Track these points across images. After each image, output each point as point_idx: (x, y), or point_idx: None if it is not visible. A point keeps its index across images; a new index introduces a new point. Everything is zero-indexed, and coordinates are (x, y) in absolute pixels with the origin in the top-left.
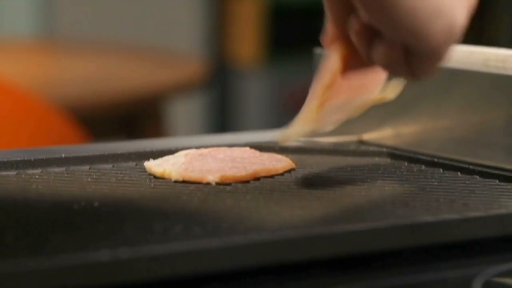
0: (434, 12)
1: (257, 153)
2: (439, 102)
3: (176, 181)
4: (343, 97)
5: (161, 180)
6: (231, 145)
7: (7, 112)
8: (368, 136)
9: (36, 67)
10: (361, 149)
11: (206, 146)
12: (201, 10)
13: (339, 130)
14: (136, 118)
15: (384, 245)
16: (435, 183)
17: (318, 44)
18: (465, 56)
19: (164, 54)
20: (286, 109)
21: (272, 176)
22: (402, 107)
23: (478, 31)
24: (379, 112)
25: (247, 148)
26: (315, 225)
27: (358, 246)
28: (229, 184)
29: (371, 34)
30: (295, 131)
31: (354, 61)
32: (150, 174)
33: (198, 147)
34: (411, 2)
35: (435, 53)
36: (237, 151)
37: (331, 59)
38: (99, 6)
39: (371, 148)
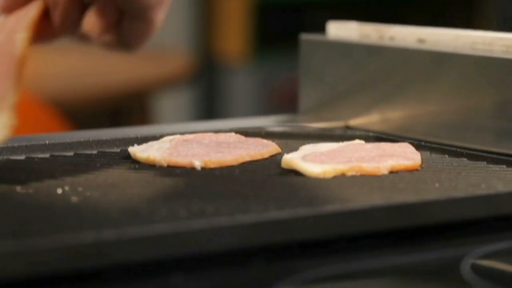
0: None
1: (243, 138)
2: (426, 87)
3: (161, 166)
4: None
5: (145, 165)
6: (216, 131)
7: None
8: (355, 122)
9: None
10: (348, 133)
11: (191, 133)
12: (188, 5)
13: (325, 116)
14: (122, 112)
15: (371, 227)
16: (423, 165)
17: None
18: (452, 39)
19: (150, 49)
20: (273, 104)
21: (257, 161)
22: (388, 92)
23: (466, 15)
24: (365, 98)
25: (233, 134)
26: (300, 207)
27: (345, 228)
28: (214, 168)
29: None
30: None
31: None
32: (134, 160)
33: (183, 134)
34: None
35: (147, 15)
36: (222, 136)
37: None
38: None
39: (358, 133)
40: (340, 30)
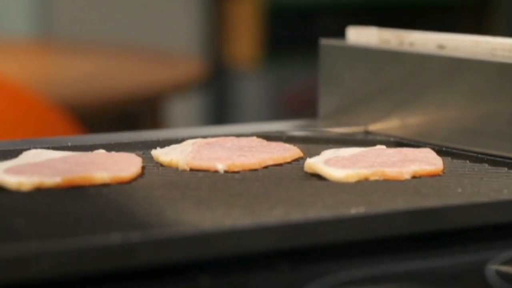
0: None
1: (265, 142)
2: (446, 92)
3: (183, 169)
4: None
5: (168, 168)
6: (237, 136)
7: (6, 110)
8: (374, 126)
9: (35, 67)
10: (369, 138)
11: (213, 136)
12: (200, 10)
13: (345, 120)
14: (134, 117)
15: (395, 231)
16: (445, 171)
17: (316, 45)
18: (472, 45)
19: (162, 54)
20: (284, 109)
21: (280, 165)
22: (408, 98)
23: (478, 21)
24: (385, 103)
25: (254, 138)
26: (325, 211)
27: (369, 232)
28: (237, 172)
29: None
30: None
31: None
32: (157, 163)
33: (204, 137)
34: None
35: None
36: (244, 140)
37: None
38: (97, 6)
39: (379, 138)
40: (359, 35)
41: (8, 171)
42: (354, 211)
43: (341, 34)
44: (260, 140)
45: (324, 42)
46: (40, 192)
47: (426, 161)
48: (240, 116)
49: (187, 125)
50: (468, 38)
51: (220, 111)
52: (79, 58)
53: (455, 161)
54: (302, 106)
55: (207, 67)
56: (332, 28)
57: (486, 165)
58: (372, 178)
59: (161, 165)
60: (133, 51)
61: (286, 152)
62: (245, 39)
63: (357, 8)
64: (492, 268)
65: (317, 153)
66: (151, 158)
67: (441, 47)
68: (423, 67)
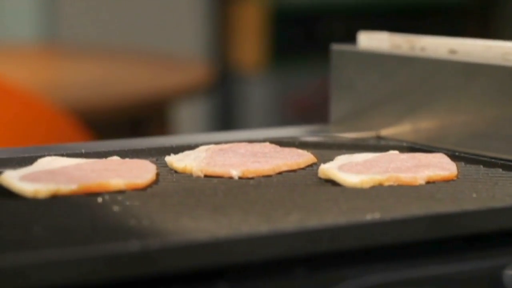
0: None
1: (278, 148)
2: (458, 97)
3: (198, 176)
4: None
5: (183, 174)
6: (249, 141)
7: (17, 116)
8: (386, 132)
9: (42, 72)
10: (381, 143)
11: (225, 142)
12: (206, 15)
13: (356, 126)
14: (141, 122)
15: (412, 236)
16: (459, 176)
17: (321, 49)
18: (484, 50)
19: (168, 59)
20: (290, 114)
21: (294, 170)
22: (420, 103)
23: (484, 24)
24: (396, 108)
25: (268, 143)
26: (342, 217)
27: (386, 237)
28: (251, 178)
29: None
30: None
31: None
32: (171, 169)
33: (217, 143)
34: None
35: None
36: (257, 146)
37: None
38: (103, 11)
39: (391, 143)
40: (370, 40)
41: (23, 178)
42: (370, 216)
43: (346, 38)
44: (273, 146)
45: (336, 47)
46: (55, 200)
47: (440, 166)
48: (246, 120)
49: (194, 129)
50: (480, 43)
51: (227, 115)
52: (86, 63)
53: (468, 166)
54: (308, 110)
55: (213, 71)
56: (337, 33)
57: (500, 169)
58: (387, 183)
59: (175, 171)
60: (140, 56)
61: (300, 157)
62: (251, 43)
63: (363, 13)
64: (510, 273)
65: (330, 158)
66: (165, 164)
67: (453, 52)
68: (435, 72)
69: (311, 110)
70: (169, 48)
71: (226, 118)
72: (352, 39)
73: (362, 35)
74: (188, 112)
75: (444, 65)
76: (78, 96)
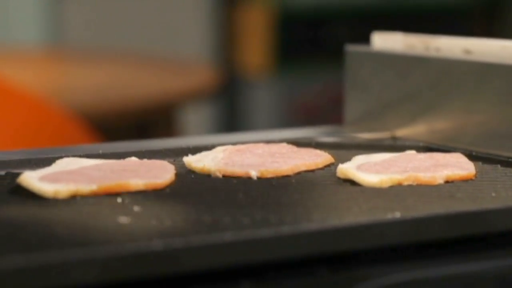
0: None
1: (295, 148)
2: (473, 97)
3: (216, 176)
4: None
5: (201, 175)
6: (266, 142)
7: (26, 120)
8: (401, 132)
9: (47, 76)
10: (398, 143)
11: (242, 143)
12: (212, 20)
13: (371, 126)
14: (147, 126)
15: (433, 235)
16: (477, 175)
17: (327, 53)
18: (499, 50)
19: (174, 63)
20: (295, 117)
21: (312, 171)
22: (435, 103)
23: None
24: (411, 109)
25: (285, 144)
26: (362, 216)
27: (407, 236)
28: (270, 178)
29: None
30: None
31: None
32: (189, 169)
33: (233, 144)
34: None
35: None
36: (275, 146)
37: None
38: (109, 15)
39: (407, 143)
40: (385, 41)
41: (43, 179)
42: (391, 216)
43: (352, 42)
44: (290, 146)
45: (350, 48)
46: (75, 200)
47: (458, 166)
48: (252, 124)
49: (200, 133)
50: (494, 43)
51: (233, 119)
52: (92, 67)
53: (486, 165)
54: (314, 114)
55: (219, 75)
56: (343, 36)
57: None
58: (405, 183)
59: (194, 172)
60: (146, 60)
61: (318, 158)
62: (257, 47)
63: (368, 16)
64: None
65: (348, 158)
66: (183, 165)
67: (468, 52)
68: (450, 72)
69: (317, 113)
70: (175, 52)
71: (232, 122)
72: (357, 42)
73: (376, 36)
74: (195, 116)
75: (459, 65)
76: (84, 100)
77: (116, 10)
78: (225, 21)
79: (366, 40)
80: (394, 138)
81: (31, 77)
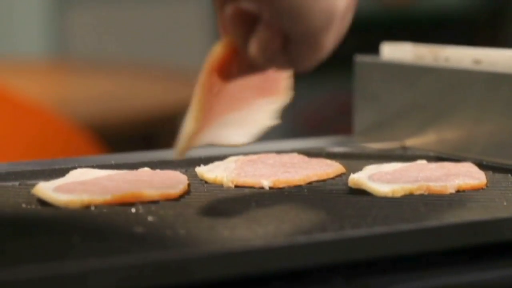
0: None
1: (306, 158)
2: (483, 107)
3: (228, 186)
4: (237, 106)
5: (213, 185)
6: (276, 152)
7: (36, 132)
8: (411, 142)
9: (52, 87)
10: (408, 153)
11: (253, 153)
12: (214, 29)
13: (381, 136)
14: (152, 136)
15: (446, 244)
16: (488, 185)
17: (329, 63)
18: (508, 60)
19: (179, 73)
20: (303, 127)
21: (324, 180)
22: (444, 113)
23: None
24: (421, 118)
25: (296, 154)
26: (376, 225)
27: (420, 245)
28: (282, 188)
29: (248, 22)
30: (184, 146)
31: (242, 63)
32: (201, 180)
33: (244, 154)
34: None
35: (314, 38)
36: (286, 157)
37: (212, 52)
38: (113, 26)
39: (418, 153)
40: (394, 51)
41: (57, 189)
42: (405, 225)
43: (356, 51)
44: (301, 156)
45: (359, 58)
46: (90, 210)
47: (469, 175)
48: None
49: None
50: (504, 53)
51: None
52: (97, 78)
53: (496, 174)
54: (318, 124)
55: None
56: (347, 46)
57: None
58: (417, 192)
59: (206, 182)
60: (150, 70)
61: (329, 168)
62: None
63: (369, 27)
64: None
65: (359, 168)
66: (195, 175)
67: (477, 62)
68: (459, 82)
69: (324, 123)
70: (180, 62)
71: None
72: (360, 53)
73: (385, 46)
74: None
75: (468, 75)
76: (89, 111)
77: (119, 21)
78: None
79: (373, 50)
80: (404, 148)
81: (36, 89)
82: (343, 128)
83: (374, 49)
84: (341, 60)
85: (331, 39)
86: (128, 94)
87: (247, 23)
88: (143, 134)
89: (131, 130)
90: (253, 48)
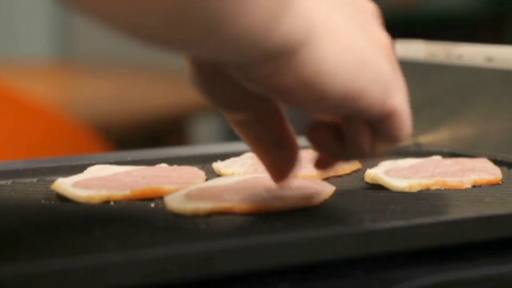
0: (370, 80)
1: None
2: (496, 104)
3: None
4: None
5: None
6: None
7: (44, 132)
8: (424, 138)
9: (58, 89)
10: (423, 150)
11: None
12: None
13: None
14: (159, 138)
15: (464, 238)
16: (504, 180)
17: None
18: None
19: (184, 75)
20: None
21: (340, 176)
22: (458, 110)
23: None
24: (434, 115)
25: (310, 150)
26: (395, 219)
27: (439, 239)
28: None
29: (331, 133)
30: None
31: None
32: (219, 175)
33: None
34: (343, 83)
35: (391, 114)
36: (302, 152)
37: None
38: None
39: (432, 149)
40: (406, 49)
41: (76, 185)
42: (423, 218)
43: None
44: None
45: None
46: (109, 205)
47: (485, 170)
48: None
49: (211, 144)
50: None
51: None
52: (102, 80)
53: (511, 170)
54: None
55: None
56: None
57: None
58: (434, 187)
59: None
60: (156, 72)
61: (345, 163)
62: None
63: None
64: None
65: (375, 164)
66: (212, 171)
67: (490, 59)
68: (472, 79)
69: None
70: (184, 64)
71: None
72: None
73: (398, 43)
74: (206, 127)
75: (481, 72)
76: (96, 112)
77: None
78: None
79: None
80: (417, 145)
81: (42, 90)
82: None
83: None
84: None
85: (400, 96)
86: (134, 95)
87: (330, 133)
88: (149, 135)
89: (137, 131)
90: (354, 149)
